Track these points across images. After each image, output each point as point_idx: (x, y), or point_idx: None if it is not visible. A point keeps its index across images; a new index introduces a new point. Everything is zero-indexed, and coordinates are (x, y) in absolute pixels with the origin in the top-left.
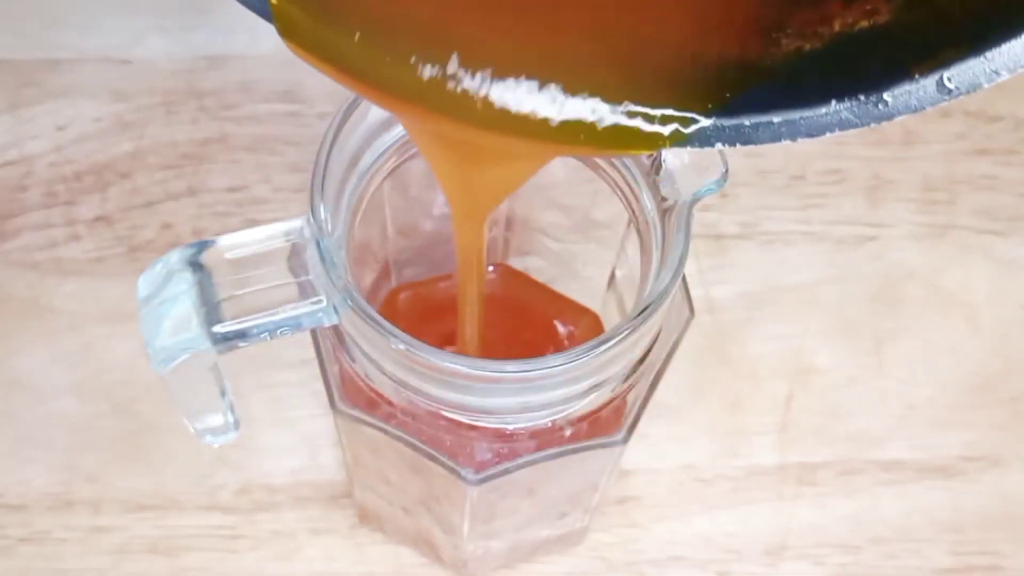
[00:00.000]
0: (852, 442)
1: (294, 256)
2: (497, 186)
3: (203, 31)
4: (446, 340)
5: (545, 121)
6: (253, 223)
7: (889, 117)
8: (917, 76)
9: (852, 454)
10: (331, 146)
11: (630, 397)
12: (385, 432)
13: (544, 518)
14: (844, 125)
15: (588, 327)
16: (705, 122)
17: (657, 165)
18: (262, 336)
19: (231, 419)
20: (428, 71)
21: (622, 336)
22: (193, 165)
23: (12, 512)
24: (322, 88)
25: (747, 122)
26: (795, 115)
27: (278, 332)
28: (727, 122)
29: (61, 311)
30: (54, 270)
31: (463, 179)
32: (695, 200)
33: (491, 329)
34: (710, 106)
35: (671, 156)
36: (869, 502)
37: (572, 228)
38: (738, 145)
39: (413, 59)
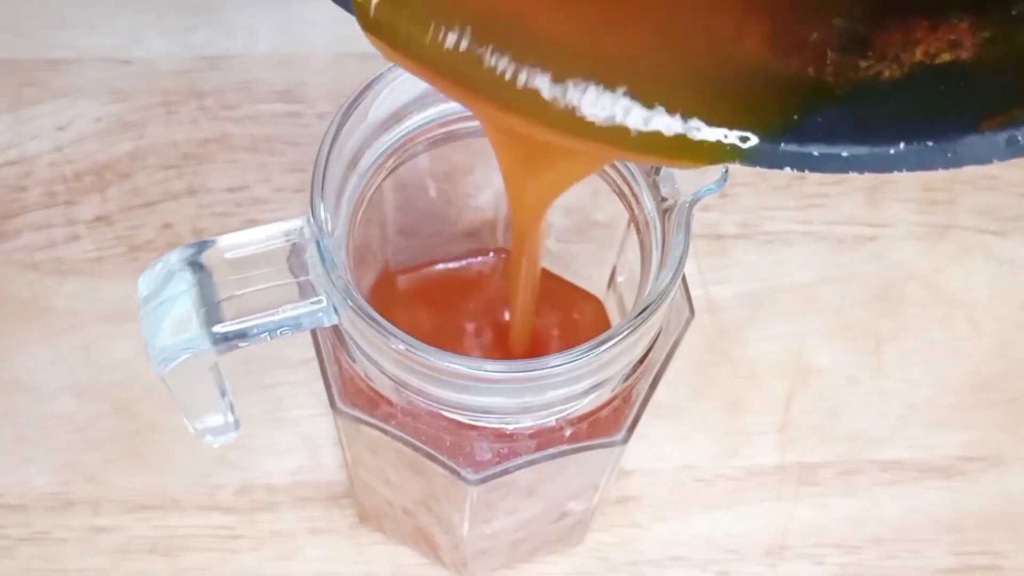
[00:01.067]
0: (852, 442)
1: (294, 256)
2: (555, 183)
3: (203, 31)
4: (443, 323)
5: (623, 130)
6: (253, 223)
7: (956, 165)
8: (987, 131)
9: (852, 454)
10: (331, 146)
11: (630, 397)
12: (385, 432)
13: (544, 518)
14: (910, 167)
15: (592, 313)
16: (769, 144)
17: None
18: (262, 336)
19: (231, 419)
20: (510, 73)
21: (622, 336)
22: (193, 165)
23: (12, 512)
24: (322, 88)
25: (815, 152)
26: (863, 150)
27: (278, 332)
28: (795, 148)
29: (61, 311)
30: (54, 270)
31: (529, 173)
32: (695, 200)
33: (497, 313)
34: (778, 126)
35: None
36: (869, 502)
37: (572, 228)
38: (805, 171)
39: (495, 59)
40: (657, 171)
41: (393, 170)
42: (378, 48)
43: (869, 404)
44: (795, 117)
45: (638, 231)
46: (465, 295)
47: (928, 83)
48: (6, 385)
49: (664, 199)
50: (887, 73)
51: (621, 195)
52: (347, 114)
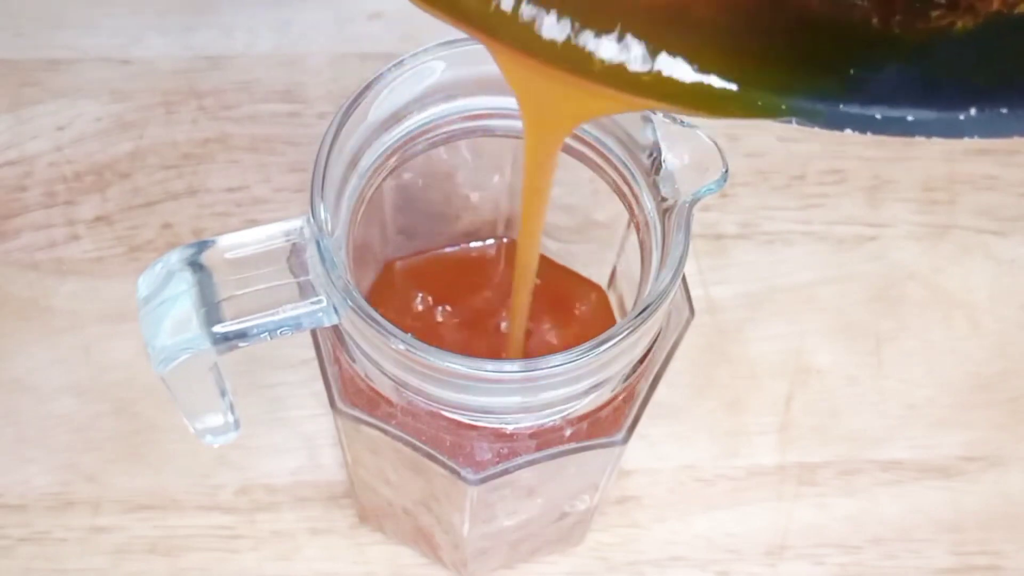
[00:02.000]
0: (852, 442)
1: (294, 256)
2: (581, 116)
3: (203, 31)
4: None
5: (674, 82)
6: (253, 223)
7: None
8: None
9: (852, 454)
10: (331, 146)
11: (630, 397)
12: (385, 432)
13: (544, 518)
14: (982, 133)
15: (596, 302)
16: (828, 104)
17: (657, 165)
18: (262, 336)
19: (231, 419)
20: (552, 27)
21: (622, 336)
22: (193, 165)
23: (12, 512)
24: (322, 88)
25: (878, 115)
26: (930, 115)
27: (278, 332)
28: (856, 110)
29: (61, 311)
30: (54, 270)
31: (549, 110)
32: (695, 200)
33: (501, 300)
34: (836, 84)
35: (671, 156)
36: (869, 502)
37: (572, 228)
38: (868, 133)
39: (532, 11)
40: (657, 171)
41: (393, 170)
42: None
43: (869, 404)
44: (852, 72)
45: (638, 231)
46: (466, 287)
47: (1005, 38)
48: (6, 385)
49: (664, 199)
50: (960, 24)
51: (621, 195)
52: (347, 114)
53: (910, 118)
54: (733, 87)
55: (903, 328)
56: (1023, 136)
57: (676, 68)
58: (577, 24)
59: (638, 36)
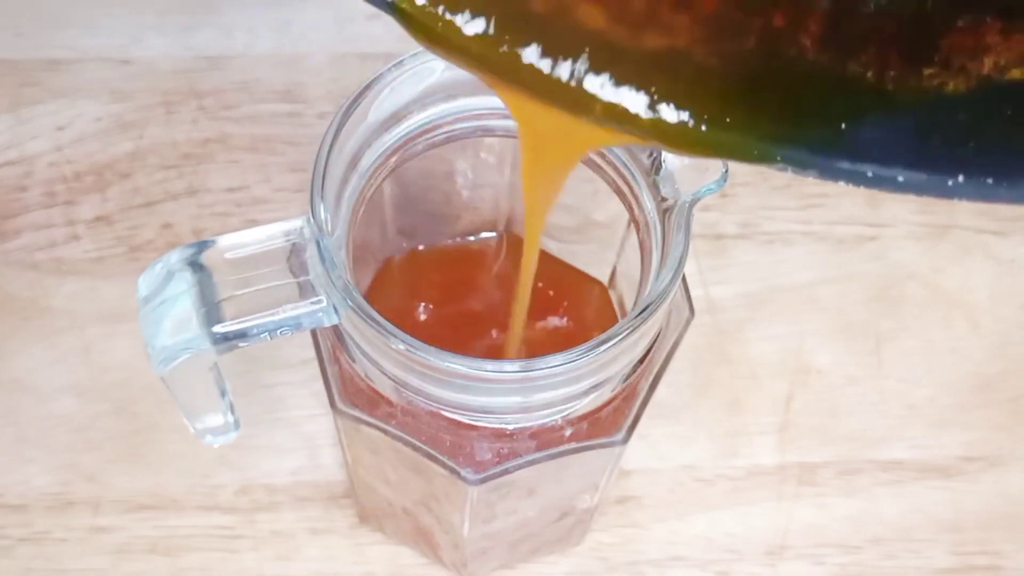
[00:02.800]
0: (852, 442)
1: (294, 256)
2: (581, 148)
3: (203, 31)
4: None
5: (669, 127)
6: (253, 223)
7: (1020, 202)
8: None
9: (852, 454)
10: (331, 146)
11: (630, 397)
12: (385, 432)
13: (544, 518)
14: (970, 198)
15: (597, 296)
16: (820, 158)
17: (657, 165)
18: (262, 336)
19: (231, 419)
20: (552, 69)
21: (622, 336)
22: (193, 165)
23: (12, 512)
24: (322, 88)
25: (870, 173)
26: (920, 178)
27: (278, 332)
28: (847, 166)
29: (61, 311)
30: (54, 270)
31: (554, 154)
32: (695, 200)
33: (504, 295)
34: (828, 137)
35: (671, 156)
36: (869, 502)
37: (572, 228)
38: (861, 187)
39: (538, 55)
40: (657, 171)
41: (393, 170)
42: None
43: (869, 404)
44: (844, 127)
45: (638, 231)
46: (466, 281)
47: (994, 105)
48: (6, 385)
49: (664, 199)
50: (952, 86)
51: (621, 195)
52: (347, 114)
53: (900, 179)
54: (729, 135)
55: (903, 328)
56: (1009, 204)
57: (673, 114)
58: (582, 68)
59: (638, 81)
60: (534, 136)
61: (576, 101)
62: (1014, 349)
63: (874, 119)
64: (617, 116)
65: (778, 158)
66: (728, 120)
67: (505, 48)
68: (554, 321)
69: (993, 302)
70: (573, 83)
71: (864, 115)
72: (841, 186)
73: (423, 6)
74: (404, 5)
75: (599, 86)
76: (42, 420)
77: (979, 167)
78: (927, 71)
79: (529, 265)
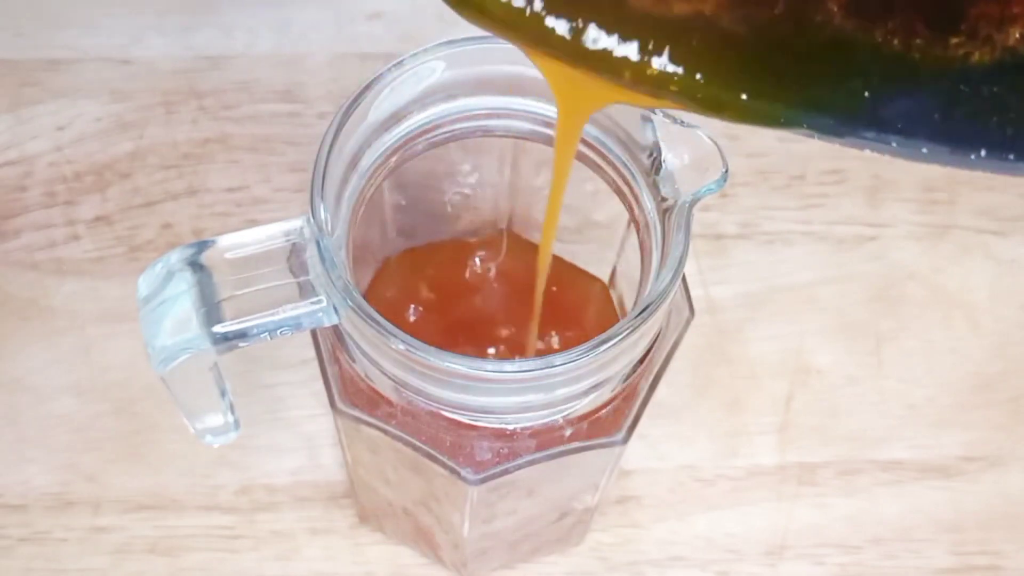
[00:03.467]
0: (852, 442)
1: (294, 256)
2: (610, 101)
3: (203, 31)
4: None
5: (697, 87)
6: (253, 223)
7: None
8: None
9: (852, 454)
10: (331, 146)
11: (630, 397)
12: (385, 432)
13: (544, 518)
14: (992, 171)
15: (597, 293)
16: (844, 126)
17: (657, 165)
18: (262, 336)
19: (231, 419)
20: (596, 40)
21: (622, 336)
22: (193, 165)
23: (12, 512)
24: (322, 88)
25: (894, 143)
26: (943, 150)
27: (278, 332)
28: (873, 135)
29: (61, 311)
30: (54, 270)
31: (582, 100)
32: (695, 200)
33: (504, 292)
34: (853, 105)
35: (671, 156)
36: (869, 502)
37: (572, 228)
38: (887, 156)
39: (584, 27)
40: (657, 171)
41: (393, 170)
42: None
43: (869, 404)
44: (868, 95)
45: (638, 231)
46: (467, 283)
47: (1018, 78)
48: (6, 385)
49: (664, 199)
50: (977, 57)
51: (621, 195)
52: (347, 114)
53: (924, 150)
54: (756, 101)
55: (903, 328)
56: None
57: (699, 80)
58: (615, 36)
59: (668, 48)
60: (566, 91)
61: (607, 66)
62: (1014, 349)
63: (900, 89)
64: (647, 81)
65: (803, 124)
66: (754, 86)
67: (531, 13)
68: (555, 320)
69: (993, 302)
70: (602, 49)
71: (890, 84)
72: (841, 186)
73: None
74: None
75: (629, 52)
76: (42, 420)
77: (1001, 142)
78: (953, 40)
79: (551, 227)
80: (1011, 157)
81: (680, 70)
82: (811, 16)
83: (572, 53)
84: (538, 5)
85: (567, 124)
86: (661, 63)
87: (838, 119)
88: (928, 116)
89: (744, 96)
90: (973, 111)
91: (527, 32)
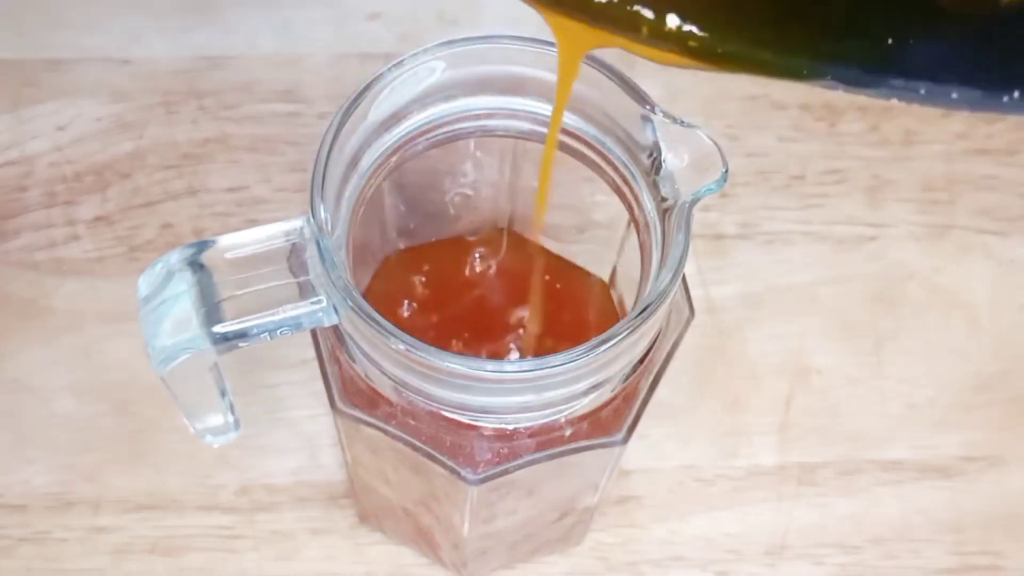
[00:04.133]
0: (852, 442)
1: (294, 256)
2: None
3: (203, 31)
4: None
5: (724, 42)
6: (253, 223)
7: None
8: None
9: (852, 454)
10: (331, 146)
11: (630, 397)
12: (385, 432)
13: (544, 518)
14: (1021, 112)
15: (598, 293)
16: (873, 75)
17: (657, 165)
18: (262, 336)
19: (231, 419)
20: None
21: (622, 336)
22: (193, 165)
23: (12, 512)
24: (322, 88)
25: (923, 90)
26: (975, 94)
27: (278, 332)
28: (902, 83)
29: (61, 311)
30: (54, 270)
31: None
32: (695, 200)
33: (504, 292)
34: (884, 53)
35: (671, 156)
36: (869, 502)
37: (572, 228)
38: (914, 104)
39: None
40: (657, 171)
41: (393, 170)
42: None
43: (869, 404)
44: (891, 42)
45: (638, 231)
46: (467, 282)
47: None
48: (6, 385)
49: (664, 199)
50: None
51: (621, 195)
52: (347, 114)
53: (954, 95)
54: (779, 56)
55: (903, 328)
56: None
57: (726, 37)
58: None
59: (696, 9)
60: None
61: (625, 23)
62: (1014, 349)
63: (928, 35)
64: (675, 38)
65: (828, 76)
66: (777, 38)
67: None
68: (556, 319)
69: (993, 302)
70: (620, 6)
71: (918, 31)
72: (841, 186)
73: None
74: None
75: (658, 13)
76: (42, 420)
77: None
78: None
79: (548, 159)
80: None
81: (696, 28)
82: None
83: (592, 13)
84: None
85: (567, 53)
86: (676, 21)
87: (865, 69)
88: (957, 61)
89: (766, 51)
90: (1004, 54)
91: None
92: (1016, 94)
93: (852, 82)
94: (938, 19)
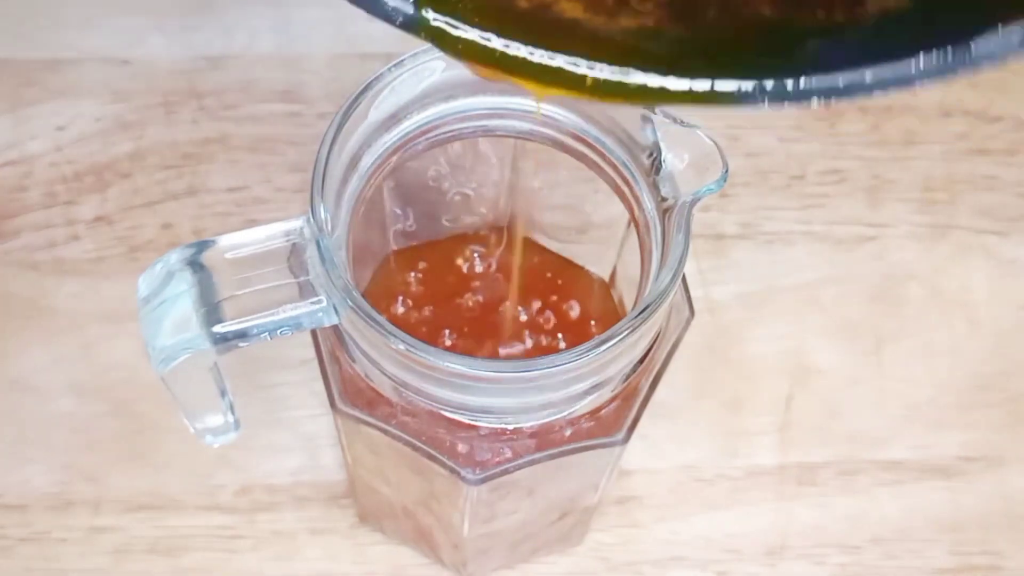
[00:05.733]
0: (852, 442)
1: (294, 256)
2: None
3: (203, 31)
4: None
5: (647, 89)
6: (253, 223)
7: (975, 68)
8: (1002, 27)
9: (852, 454)
10: (331, 146)
11: (630, 397)
12: (385, 432)
13: (544, 518)
14: (931, 76)
15: (598, 293)
16: (790, 84)
17: (657, 165)
18: (262, 336)
19: (231, 419)
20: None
21: (622, 336)
22: (193, 165)
23: (12, 512)
24: (322, 88)
25: (840, 83)
26: (886, 71)
27: (278, 332)
28: (817, 82)
29: (61, 311)
30: (54, 270)
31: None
32: (695, 200)
33: (504, 291)
34: (795, 68)
35: (671, 156)
36: (869, 502)
37: (572, 228)
38: (832, 101)
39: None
40: (657, 171)
41: (393, 170)
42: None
43: (869, 404)
44: (814, 53)
45: (638, 231)
46: (467, 281)
47: (937, 11)
48: (6, 385)
49: (664, 199)
50: (893, 3)
51: (621, 195)
52: (347, 114)
53: (869, 78)
54: (713, 90)
55: (903, 328)
56: (966, 73)
57: (648, 78)
58: (571, 55)
59: (623, 56)
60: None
61: (568, 82)
62: (1014, 349)
63: (833, 45)
64: (605, 89)
65: (759, 100)
66: (710, 75)
67: (499, 45)
68: (556, 319)
69: (993, 302)
70: (569, 69)
71: (824, 42)
72: (841, 186)
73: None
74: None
75: (585, 68)
76: (42, 420)
77: (934, 45)
78: (870, 4)
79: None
80: (948, 49)
81: (633, 78)
82: (743, 13)
83: (535, 75)
84: (497, 43)
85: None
86: (608, 72)
87: (787, 83)
88: (863, 52)
89: (701, 85)
90: (905, 36)
91: (493, 64)
92: (922, 58)
93: (779, 97)
94: (841, 31)
